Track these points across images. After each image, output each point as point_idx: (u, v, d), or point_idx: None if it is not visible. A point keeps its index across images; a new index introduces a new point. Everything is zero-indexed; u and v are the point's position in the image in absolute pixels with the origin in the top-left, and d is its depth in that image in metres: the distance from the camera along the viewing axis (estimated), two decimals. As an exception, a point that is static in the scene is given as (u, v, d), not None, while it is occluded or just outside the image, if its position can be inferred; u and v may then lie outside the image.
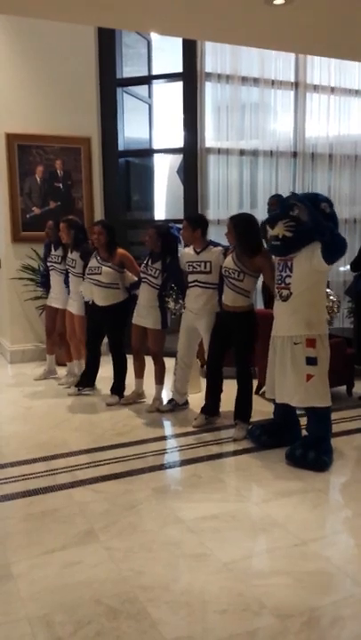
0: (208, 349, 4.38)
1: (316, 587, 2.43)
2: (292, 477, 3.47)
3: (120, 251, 4.91)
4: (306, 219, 3.43)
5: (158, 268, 4.58)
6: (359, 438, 4.16)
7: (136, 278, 4.84)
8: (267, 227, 3.65)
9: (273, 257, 3.82)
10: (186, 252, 4.53)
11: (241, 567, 2.56)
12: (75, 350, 5.44)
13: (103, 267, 4.83)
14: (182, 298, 4.56)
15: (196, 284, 4.42)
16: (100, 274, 4.84)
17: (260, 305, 5.60)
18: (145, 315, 4.69)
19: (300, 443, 3.69)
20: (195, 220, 4.52)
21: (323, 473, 3.52)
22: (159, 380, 4.81)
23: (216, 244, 4.46)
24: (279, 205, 3.68)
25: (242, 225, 4.02)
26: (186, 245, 4.61)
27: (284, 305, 3.65)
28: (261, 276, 4.10)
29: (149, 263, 4.63)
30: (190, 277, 4.45)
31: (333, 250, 3.41)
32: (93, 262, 4.91)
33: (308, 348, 3.57)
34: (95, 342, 5.15)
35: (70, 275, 5.28)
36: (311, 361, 3.57)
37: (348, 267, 5.64)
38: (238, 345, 4.15)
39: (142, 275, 4.67)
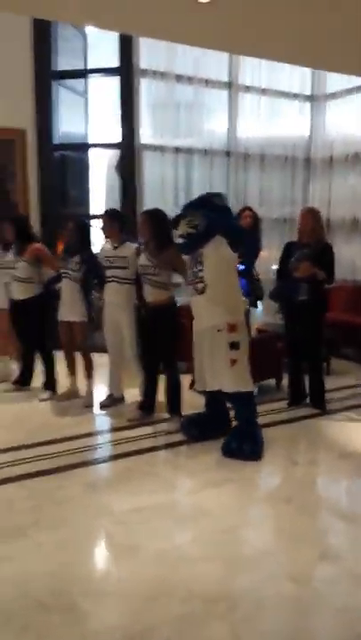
0: (141, 348, 4.43)
1: (241, 570, 2.53)
2: (221, 468, 3.57)
3: (34, 245, 4.87)
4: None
5: (77, 262, 4.60)
6: (288, 428, 4.33)
7: (54, 273, 4.83)
8: (172, 230, 3.84)
9: (183, 256, 3.97)
10: (104, 247, 4.58)
11: (170, 556, 2.63)
12: None
13: (18, 261, 4.82)
14: (101, 291, 4.61)
15: (113, 279, 4.46)
16: (14, 268, 4.83)
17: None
18: (70, 309, 4.70)
19: (232, 435, 3.80)
20: (113, 213, 4.59)
21: (253, 463, 3.64)
22: (89, 374, 4.81)
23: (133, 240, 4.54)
24: (181, 209, 3.88)
25: (154, 219, 4.15)
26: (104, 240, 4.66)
27: (201, 298, 3.78)
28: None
29: (67, 257, 4.64)
30: (108, 272, 4.49)
31: (243, 247, 3.76)
32: (9, 257, 4.90)
33: (230, 333, 3.70)
34: (23, 338, 5.11)
35: None
36: (234, 345, 3.71)
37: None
38: (163, 339, 4.22)
39: (62, 270, 4.69)
